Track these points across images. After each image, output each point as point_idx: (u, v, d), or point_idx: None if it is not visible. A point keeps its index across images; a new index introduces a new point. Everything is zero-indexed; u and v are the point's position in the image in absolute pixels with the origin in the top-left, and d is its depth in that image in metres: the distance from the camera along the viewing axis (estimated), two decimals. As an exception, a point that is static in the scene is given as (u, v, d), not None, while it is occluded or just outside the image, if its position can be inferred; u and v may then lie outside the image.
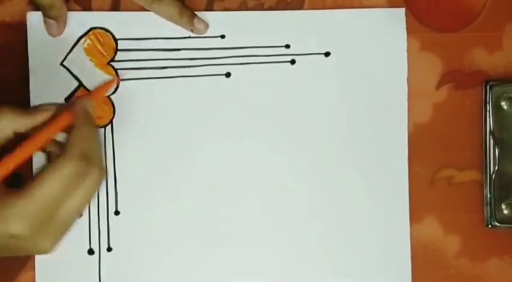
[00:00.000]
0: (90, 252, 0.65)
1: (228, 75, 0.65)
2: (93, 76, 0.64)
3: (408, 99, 0.66)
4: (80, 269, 0.64)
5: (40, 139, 0.56)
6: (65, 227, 0.56)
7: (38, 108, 0.59)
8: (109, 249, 0.65)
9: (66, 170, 0.54)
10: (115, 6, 0.65)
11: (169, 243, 0.65)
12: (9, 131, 0.57)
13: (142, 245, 0.65)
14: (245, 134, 0.65)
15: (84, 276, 0.64)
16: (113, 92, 0.65)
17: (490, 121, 0.65)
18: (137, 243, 0.65)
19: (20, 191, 0.54)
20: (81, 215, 0.64)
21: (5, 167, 0.55)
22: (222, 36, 0.65)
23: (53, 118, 0.58)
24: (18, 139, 0.57)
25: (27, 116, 0.58)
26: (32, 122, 0.58)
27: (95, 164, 0.56)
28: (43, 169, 0.54)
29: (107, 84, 0.64)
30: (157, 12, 0.64)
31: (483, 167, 0.66)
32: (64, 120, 0.57)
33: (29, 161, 0.60)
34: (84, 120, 0.58)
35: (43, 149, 0.58)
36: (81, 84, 0.64)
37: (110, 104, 0.65)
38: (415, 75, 0.66)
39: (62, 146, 0.56)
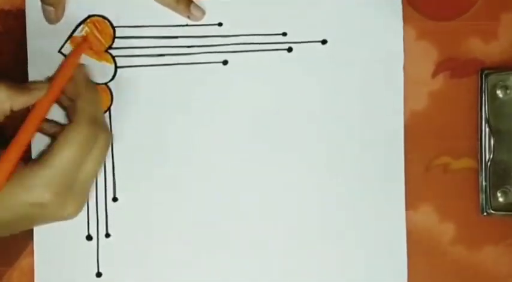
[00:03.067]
0: (89, 238, 0.65)
1: (225, 62, 0.65)
2: (91, 63, 0.64)
3: (404, 87, 0.66)
4: (79, 255, 0.65)
5: (47, 103, 0.59)
6: (85, 190, 0.59)
7: (32, 86, 0.60)
8: (107, 235, 0.65)
9: (79, 135, 0.57)
10: (113, -6, 0.65)
11: (166, 230, 0.65)
12: (7, 107, 0.58)
13: (140, 231, 0.65)
14: (242, 121, 0.65)
15: (83, 261, 0.65)
16: (111, 79, 0.65)
17: (485, 109, 0.65)
18: (135, 229, 0.65)
19: (40, 161, 0.57)
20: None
21: (22, 141, 0.57)
22: (220, 24, 0.65)
23: (46, 95, 0.59)
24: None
25: (23, 93, 0.59)
26: (27, 99, 0.59)
27: (102, 126, 0.59)
28: (57, 138, 0.58)
29: (81, 43, 0.64)
30: (154, -2, 0.64)
31: (478, 154, 0.66)
32: (67, 73, 0.60)
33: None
34: (85, 86, 0.61)
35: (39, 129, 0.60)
36: (79, 71, 0.65)
37: (108, 91, 0.65)
38: (411, 64, 0.66)
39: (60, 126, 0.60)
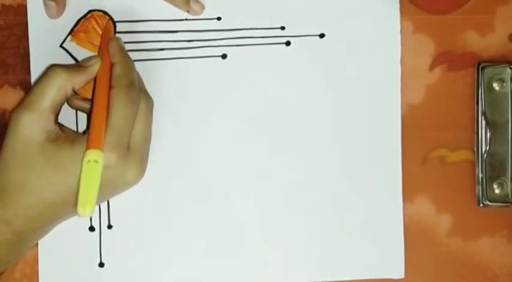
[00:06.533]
0: (91, 229, 0.66)
1: (224, 56, 0.66)
2: (92, 58, 0.65)
3: (401, 80, 0.66)
4: (81, 246, 0.66)
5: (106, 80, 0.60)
6: (141, 155, 0.60)
7: (86, 63, 0.61)
8: (109, 226, 0.66)
9: (121, 96, 0.58)
10: (113, -11, 0.66)
11: (168, 220, 0.66)
12: (69, 88, 0.60)
13: (141, 222, 0.66)
14: (241, 114, 0.66)
15: (86, 252, 0.66)
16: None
17: (482, 102, 0.66)
18: (136, 221, 0.66)
19: None
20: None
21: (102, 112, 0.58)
22: (218, 18, 0.66)
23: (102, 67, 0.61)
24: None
25: (80, 72, 0.60)
26: (85, 77, 0.61)
27: (140, 90, 0.61)
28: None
29: (106, 26, 0.65)
30: (154, -8, 0.65)
31: (475, 147, 0.66)
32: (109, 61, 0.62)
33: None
34: (120, 55, 0.61)
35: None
36: (80, 66, 0.65)
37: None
38: (408, 57, 0.66)
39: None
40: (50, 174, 0.58)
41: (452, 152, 0.67)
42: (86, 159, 0.55)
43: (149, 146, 0.62)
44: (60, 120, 0.61)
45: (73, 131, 0.62)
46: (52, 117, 0.59)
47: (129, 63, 0.61)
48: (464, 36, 0.67)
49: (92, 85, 0.62)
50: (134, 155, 0.59)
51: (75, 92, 0.63)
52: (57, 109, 0.59)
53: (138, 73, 0.62)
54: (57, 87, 0.59)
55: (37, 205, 0.58)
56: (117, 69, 0.60)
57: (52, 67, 0.60)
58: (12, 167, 0.58)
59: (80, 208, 0.54)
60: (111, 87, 0.59)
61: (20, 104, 0.59)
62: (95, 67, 0.61)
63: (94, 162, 0.55)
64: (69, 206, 0.59)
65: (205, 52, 0.66)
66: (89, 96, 0.63)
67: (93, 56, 0.62)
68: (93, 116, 0.58)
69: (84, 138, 0.58)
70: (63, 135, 0.59)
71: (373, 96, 0.66)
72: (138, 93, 0.60)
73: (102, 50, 0.62)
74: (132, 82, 0.60)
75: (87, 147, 0.56)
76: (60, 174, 0.58)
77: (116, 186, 0.60)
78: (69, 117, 0.65)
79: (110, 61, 0.61)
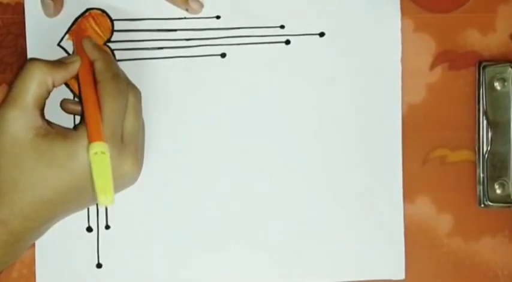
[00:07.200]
0: (89, 229, 0.65)
1: (223, 55, 0.66)
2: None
3: (402, 80, 0.66)
4: (79, 246, 0.65)
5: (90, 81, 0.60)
6: (135, 145, 0.60)
7: (67, 60, 0.61)
8: (107, 227, 0.65)
9: (108, 88, 0.59)
10: (111, -13, 0.65)
11: (166, 221, 0.65)
12: (49, 82, 0.59)
13: (139, 223, 0.65)
14: (240, 113, 0.66)
15: (83, 253, 0.65)
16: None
17: (483, 101, 0.65)
18: (134, 221, 0.65)
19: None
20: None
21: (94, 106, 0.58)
22: (218, 17, 0.65)
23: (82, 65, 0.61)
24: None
25: (61, 68, 0.60)
26: (66, 74, 0.60)
27: (126, 82, 0.61)
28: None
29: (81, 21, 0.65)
30: (153, -10, 0.65)
31: (476, 146, 0.66)
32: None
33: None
34: (97, 52, 0.61)
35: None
36: (77, 64, 0.65)
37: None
38: (409, 56, 0.66)
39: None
40: (44, 170, 0.57)
41: (453, 152, 0.67)
42: (92, 152, 0.55)
43: (143, 138, 0.62)
44: (58, 120, 0.61)
45: (62, 126, 0.61)
46: (37, 113, 0.58)
47: (108, 57, 0.61)
48: (465, 35, 0.67)
49: None
50: (128, 146, 0.59)
51: (67, 85, 0.63)
52: (40, 104, 0.59)
53: (120, 67, 0.62)
54: (38, 80, 0.58)
55: (33, 203, 0.58)
56: (99, 65, 0.60)
57: (31, 61, 0.59)
58: (4, 166, 0.58)
59: (100, 198, 0.54)
60: (97, 82, 0.59)
61: (4, 101, 0.58)
62: (76, 64, 0.61)
63: (101, 154, 0.55)
64: (65, 202, 0.59)
65: (204, 51, 0.65)
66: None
67: (74, 54, 0.62)
68: (86, 111, 0.58)
69: (75, 133, 0.58)
70: (53, 131, 0.59)
71: (374, 95, 0.66)
72: (126, 84, 0.60)
73: (78, 49, 0.62)
74: (117, 74, 0.60)
75: (90, 141, 0.55)
76: (54, 170, 0.57)
77: (114, 179, 0.59)
78: (68, 118, 0.64)
79: (89, 59, 0.61)
